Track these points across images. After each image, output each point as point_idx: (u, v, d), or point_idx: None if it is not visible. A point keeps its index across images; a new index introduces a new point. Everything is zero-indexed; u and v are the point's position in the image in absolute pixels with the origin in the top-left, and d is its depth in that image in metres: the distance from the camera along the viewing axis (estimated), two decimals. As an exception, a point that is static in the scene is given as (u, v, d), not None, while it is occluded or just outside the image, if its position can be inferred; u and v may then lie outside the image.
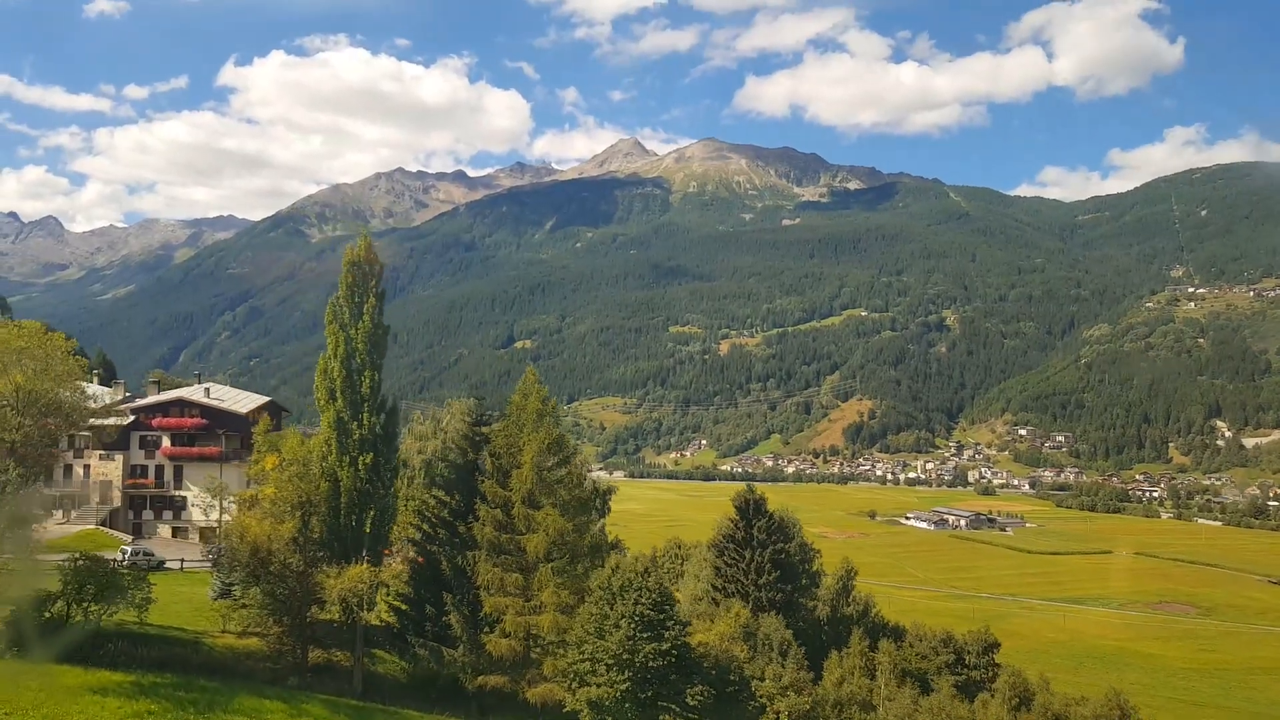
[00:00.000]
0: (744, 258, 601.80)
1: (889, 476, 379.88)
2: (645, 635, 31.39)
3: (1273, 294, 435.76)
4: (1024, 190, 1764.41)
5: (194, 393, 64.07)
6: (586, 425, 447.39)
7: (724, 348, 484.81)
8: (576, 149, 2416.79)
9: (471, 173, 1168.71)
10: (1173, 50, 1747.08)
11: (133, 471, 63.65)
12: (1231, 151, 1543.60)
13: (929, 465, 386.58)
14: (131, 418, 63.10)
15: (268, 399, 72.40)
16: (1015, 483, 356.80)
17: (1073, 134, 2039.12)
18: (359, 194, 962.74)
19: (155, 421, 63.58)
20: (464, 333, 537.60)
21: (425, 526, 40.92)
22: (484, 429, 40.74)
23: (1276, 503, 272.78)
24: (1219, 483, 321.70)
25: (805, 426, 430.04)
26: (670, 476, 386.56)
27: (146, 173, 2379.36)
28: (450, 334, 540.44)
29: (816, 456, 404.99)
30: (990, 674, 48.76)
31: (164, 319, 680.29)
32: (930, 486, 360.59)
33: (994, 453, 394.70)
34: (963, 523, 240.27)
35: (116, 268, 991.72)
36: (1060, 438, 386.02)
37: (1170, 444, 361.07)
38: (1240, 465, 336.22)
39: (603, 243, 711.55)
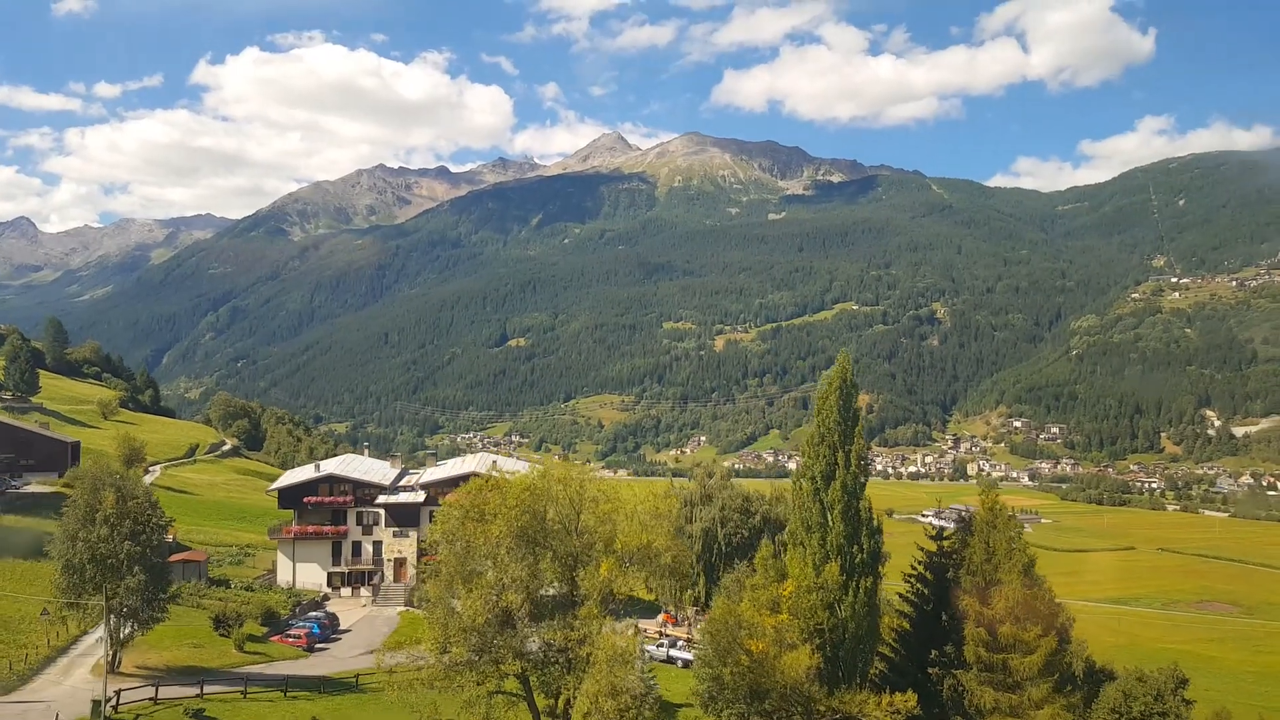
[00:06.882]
0: (733, 252, 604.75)
1: (890, 471, 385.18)
2: None
3: (1254, 283, 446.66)
4: (999, 180, 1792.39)
5: (484, 465, 64.50)
6: (585, 423, 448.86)
7: (719, 344, 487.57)
8: (558, 144, 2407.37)
9: (454, 169, 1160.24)
10: (1144, 42, 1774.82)
11: (423, 548, 63.77)
12: (1202, 140, 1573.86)
13: (928, 459, 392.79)
14: (423, 495, 63.68)
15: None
16: (1014, 475, 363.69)
17: (1046, 125, 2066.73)
18: (340, 191, 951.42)
19: (448, 497, 63.92)
20: (456, 331, 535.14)
21: (897, 644, 41.26)
22: (945, 542, 42.13)
23: (1275, 492, 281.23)
24: (1212, 472, 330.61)
25: (804, 421, 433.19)
26: (675, 474, 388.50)
27: (121, 172, 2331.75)
28: (442, 333, 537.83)
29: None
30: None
31: (145, 321, 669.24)
32: (932, 480, 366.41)
33: (990, 445, 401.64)
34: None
35: (93, 269, 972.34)
36: (1055, 429, 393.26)
37: (1162, 434, 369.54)
38: (1231, 454, 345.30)
39: (590, 239, 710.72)
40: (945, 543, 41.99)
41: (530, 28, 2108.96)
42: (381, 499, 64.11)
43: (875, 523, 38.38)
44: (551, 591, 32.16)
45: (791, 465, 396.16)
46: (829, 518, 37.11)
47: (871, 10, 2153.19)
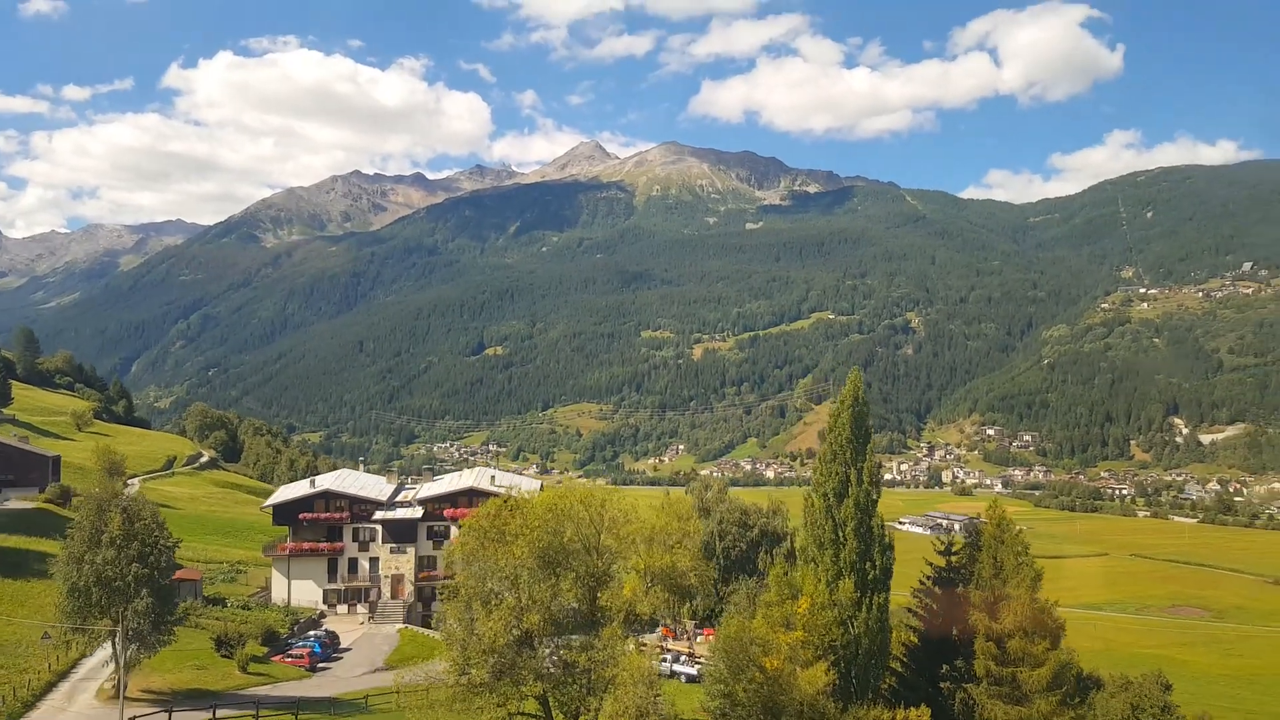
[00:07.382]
0: (711, 261, 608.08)
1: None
2: None
3: (1220, 294, 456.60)
4: (972, 192, 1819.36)
5: (482, 480, 64.47)
6: (563, 432, 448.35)
7: (697, 352, 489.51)
8: (536, 151, 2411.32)
9: (430, 176, 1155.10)
10: (1113, 58, 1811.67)
11: (421, 564, 64.27)
12: (1169, 154, 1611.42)
13: (903, 466, 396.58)
14: (420, 510, 63.67)
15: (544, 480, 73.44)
16: (988, 482, 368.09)
17: (1017, 138, 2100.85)
18: (314, 197, 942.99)
19: (446, 512, 63.85)
20: (433, 340, 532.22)
21: (906, 659, 41.56)
22: (953, 557, 42.44)
23: (1241, 498, 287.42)
24: (1180, 478, 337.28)
25: (781, 430, 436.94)
26: (653, 483, 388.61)
27: (89, 177, 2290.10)
28: (418, 341, 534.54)
29: (794, 459, 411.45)
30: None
31: (114, 328, 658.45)
32: (907, 488, 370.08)
33: (964, 452, 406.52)
34: (957, 527, 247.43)
35: (60, 275, 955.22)
36: (1027, 437, 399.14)
37: (1132, 441, 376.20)
38: (1198, 461, 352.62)
39: (568, 247, 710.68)
40: (954, 558, 42.73)
41: (509, 35, 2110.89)
42: (378, 515, 64.13)
43: (887, 539, 38.79)
44: (569, 607, 32.26)
45: (769, 474, 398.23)
46: (842, 534, 37.42)
47: (847, 24, 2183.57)
